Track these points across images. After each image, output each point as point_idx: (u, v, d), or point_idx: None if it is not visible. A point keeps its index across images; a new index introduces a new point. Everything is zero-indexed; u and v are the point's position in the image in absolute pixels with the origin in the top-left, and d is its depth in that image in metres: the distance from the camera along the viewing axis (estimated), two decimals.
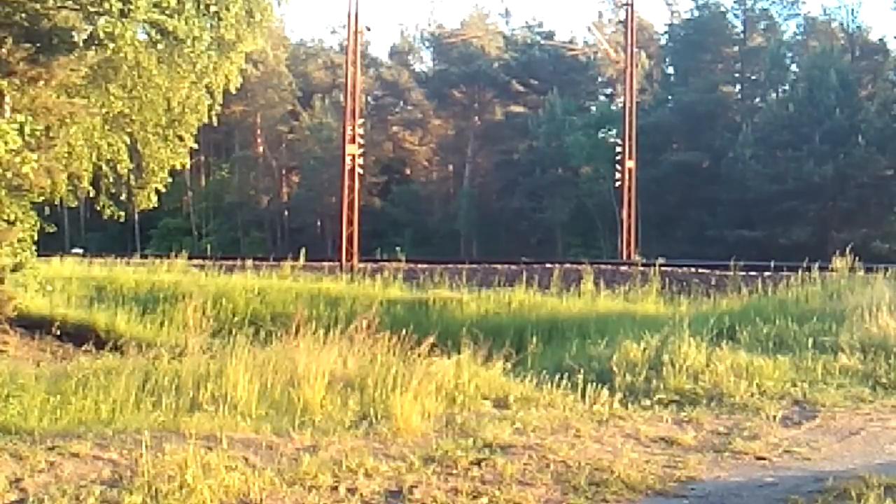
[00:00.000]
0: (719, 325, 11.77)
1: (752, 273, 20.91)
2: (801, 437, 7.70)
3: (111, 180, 20.75)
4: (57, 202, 20.69)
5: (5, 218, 15.95)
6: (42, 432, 6.93)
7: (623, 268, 25.23)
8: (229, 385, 8.21)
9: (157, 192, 21.05)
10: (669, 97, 59.02)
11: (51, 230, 18.58)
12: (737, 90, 60.75)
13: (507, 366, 9.54)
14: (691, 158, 54.20)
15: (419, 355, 8.96)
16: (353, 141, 32.56)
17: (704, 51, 58.96)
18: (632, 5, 37.53)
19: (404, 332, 9.24)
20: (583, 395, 8.64)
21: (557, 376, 9.11)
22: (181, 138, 20.57)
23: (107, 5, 14.45)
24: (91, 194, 21.21)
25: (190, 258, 28.96)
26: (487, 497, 5.93)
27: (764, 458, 7.05)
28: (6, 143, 12.88)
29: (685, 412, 8.40)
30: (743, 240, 45.11)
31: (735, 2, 60.59)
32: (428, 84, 66.93)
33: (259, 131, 64.37)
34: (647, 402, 8.72)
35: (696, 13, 61.38)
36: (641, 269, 23.13)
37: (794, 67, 58.96)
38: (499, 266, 26.47)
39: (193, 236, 58.18)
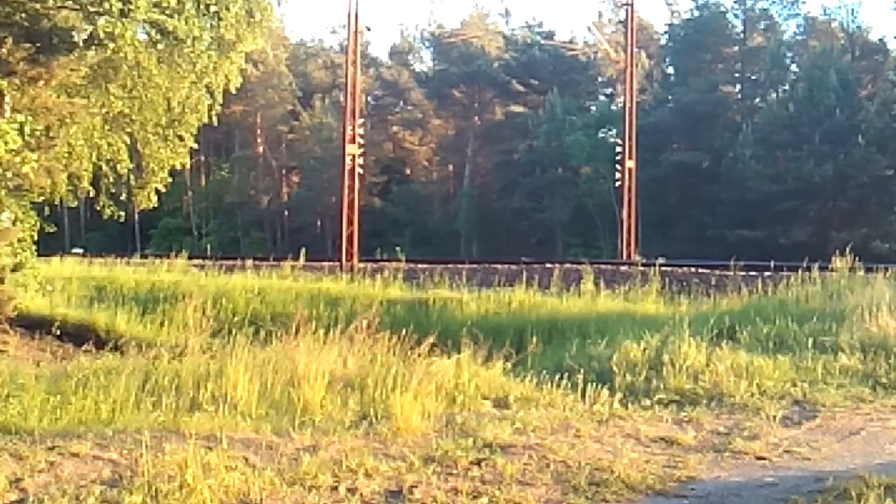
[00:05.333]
0: (719, 325, 11.76)
1: (752, 273, 20.91)
2: (801, 437, 7.70)
3: (111, 180, 20.74)
4: (57, 202, 20.69)
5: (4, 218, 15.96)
6: (42, 432, 6.93)
7: (623, 268, 25.22)
8: (229, 385, 8.21)
9: (157, 192, 21.03)
10: (669, 97, 59.04)
11: (51, 230, 18.60)
12: (737, 90, 60.77)
13: (507, 366, 9.54)
14: (691, 158, 54.21)
15: (419, 355, 8.95)
16: (353, 141, 32.56)
17: (704, 51, 58.99)
18: (632, 5, 37.54)
19: (404, 332, 9.24)
20: (583, 395, 8.64)
21: (557, 376, 9.11)
22: (181, 138, 20.55)
23: (107, 5, 14.45)
24: (91, 194, 21.19)
25: (190, 258, 28.96)
26: (487, 497, 5.93)
27: (764, 458, 7.05)
28: (6, 143, 12.90)
29: (685, 412, 8.40)
30: (743, 240, 45.12)
31: (735, 2, 60.72)
32: (428, 84, 66.94)
33: (259, 131, 64.39)
34: (647, 402, 8.72)
35: (696, 13, 61.43)
36: (641, 269, 23.11)
37: (794, 67, 59.04)
38: (499, 266, 26.47)
39: (193, 236, 58.20)
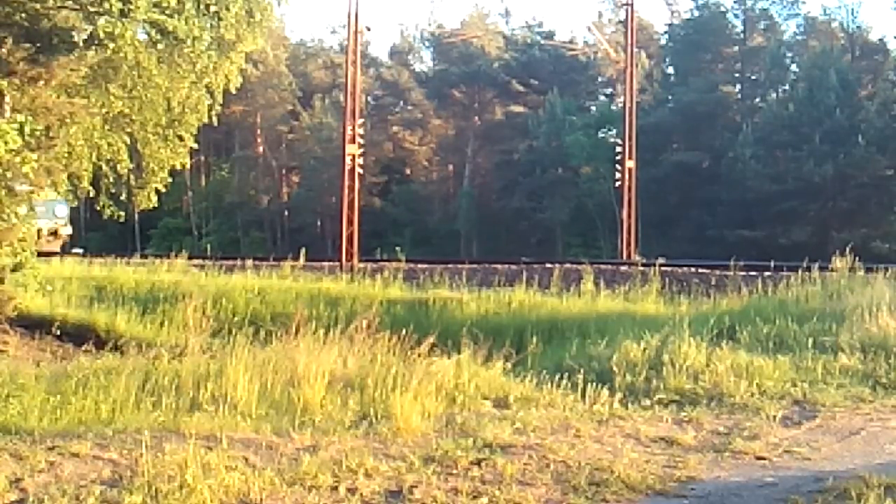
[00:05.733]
0: (719, 325, 11.76)
1: (752, 273, 20.88)
2: (801, 437, 7.70)
3: (111, 180, 20.73)
4: None
5: (5, 218, 15.94)
6: (42, 432, 6.93)
7: (623, 268, 25.20)
8: (229, 385, 8.22)
9: (157, 192, 21.00)
10: (669, 97, 59.04)
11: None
12: (737, 90, 60.76)
13: (507, 366, 9.54)
14: (691, 158, 54.22)
15: (419, 355, 8.96)
16: (353, 141, 32.53)
17: (704, 51, 58.99)
18: (632, 5, 37.50)
19: (404, 332, 9.24)
20: (583, 395, 8.64)
21: (557, 376, 9.11)
22: (181, 138, 20.52)
23: (107, 5, 14.43)
24: (91, 194, 21.18)
25: (190, 258, 28.90)
26: (487, 497, 5.93)
27: (764, 458, 7.05)
28: (6, 143, 12.88)
29: (685, 412, 8.40)
30: (743, 240, 45.12)
31: (735, 2, 60.74)
32: (428, 84, 66.93)
33: (259, 131, 64.39)
34: (647, 402, 8.72)
35: (696, 13, 61.43)
36: (641, 269, 23.08)
37: (794, 67, 59.03)
38: (499, 266, 26.44)
39: (193, 236, 58.17)
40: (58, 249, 38.18)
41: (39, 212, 36.42)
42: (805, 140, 48.88)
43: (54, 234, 39.08)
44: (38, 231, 37.31)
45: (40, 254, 33.61)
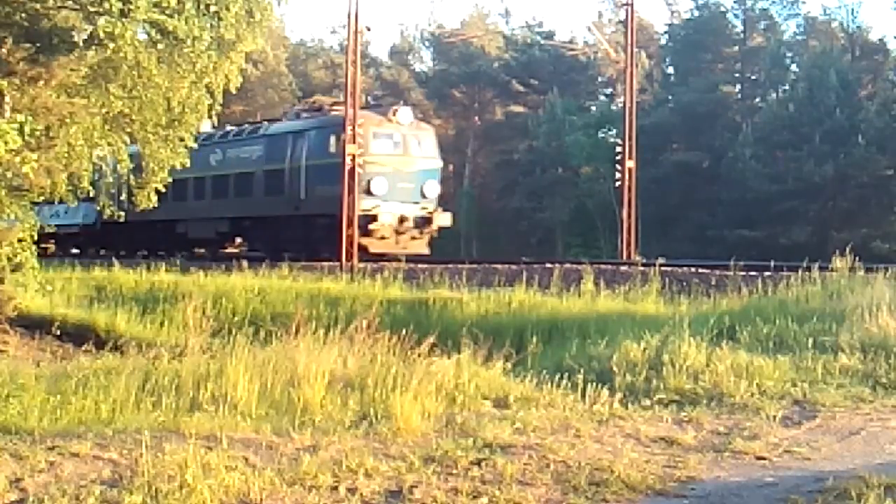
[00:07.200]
0: (719, 325, 11.74)
1: (752, 273, 20.81)
2: (801, 437, 7.70)
3: (111, 180, 20.72)
4: (57, 202, 20.67)
5: (5, 218, 15.98)
6: (42, 432, 6.93)
7: (623, 268, 25.12)
8: (229, 385, 8.21)
9: (157, 191, 21.01)
10: (669, 97, 59.04)
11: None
12: (737, 90, 60.78)
13: (507, 366, 9.53)
14: (691, 158, 54.22)
15: (419, 355, 8.95)
16: (353, 141, 32.51)
17: (704, 51, 59.01)
18: (632, 5, 37.40)
19: (404, 332, 9.24)
20: (583, 395, 8.64)
21: (557, 376, 9.10)
22: (181, 138, 20.52)
23: (107, 5, 14.44)
24: (91, 194, 21.19)
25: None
26: (487, 497, 5.92)
27: (764, 458, 7.05)
28: (6, 143, 12.88)
29: (685, 412, 8.40)
30: (743, 240, 45.11)
31: (735, 2, 60.76)
32: (428, 84, 66.96)
33: None
34: (647, 402, 8.72)
35: (696, 13, 61.45)
36: (641, 269, 23.00)
37: (794, 67, 59.02)
38: (499, 266, 26.38)
39: None
40: (426, 250, 28.71)
41: (401, 190, 27.57)
42: (805, 140, 48.88)
43: (424, 223, 28.76)
44: (401, 220, 27.18)
45: (388, 259, 25.28)
